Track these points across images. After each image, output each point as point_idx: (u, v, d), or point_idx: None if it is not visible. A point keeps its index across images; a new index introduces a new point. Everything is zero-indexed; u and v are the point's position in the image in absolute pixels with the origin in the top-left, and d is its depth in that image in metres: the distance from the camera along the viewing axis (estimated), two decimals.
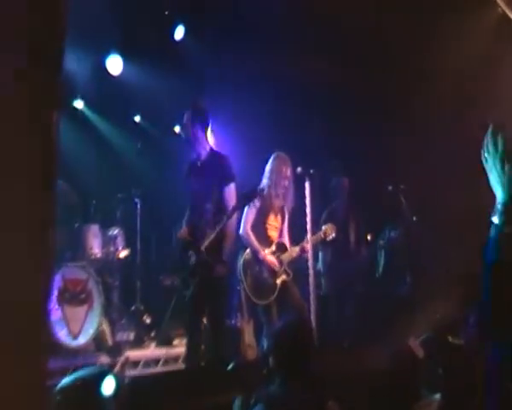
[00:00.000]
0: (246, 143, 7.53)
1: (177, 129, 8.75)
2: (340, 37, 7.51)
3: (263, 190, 6.00)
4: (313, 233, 6.30)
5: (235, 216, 5.53)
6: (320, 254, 7.46)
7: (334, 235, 6.52)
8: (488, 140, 2.08)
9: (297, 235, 6.44)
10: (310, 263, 6.23)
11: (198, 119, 5.64)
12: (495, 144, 2.06)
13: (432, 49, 7.18)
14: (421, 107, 7.23)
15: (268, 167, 6.37)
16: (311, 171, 6.19)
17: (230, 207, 5.38)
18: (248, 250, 6.19)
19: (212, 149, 5.76)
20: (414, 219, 6.98)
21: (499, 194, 2.04)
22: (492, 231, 2.04)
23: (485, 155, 2.09)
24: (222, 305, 5.62)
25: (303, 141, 7.74)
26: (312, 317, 6.07)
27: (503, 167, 2.02)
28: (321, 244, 7.06)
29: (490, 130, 2.09)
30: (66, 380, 3.57)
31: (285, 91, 7.98)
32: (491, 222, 2.04)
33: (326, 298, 7.28)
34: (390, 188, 7.02)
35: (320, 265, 7.46)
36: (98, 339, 6.56)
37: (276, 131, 7.76)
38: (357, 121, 8.02)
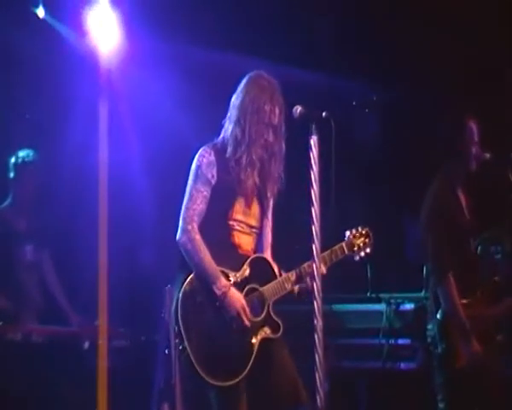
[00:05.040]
0: None
1: None
2: None
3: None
4: (324, 246, 3.40)
5: None
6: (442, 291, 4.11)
7: (368, 250, 3.70)
8: None
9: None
10: (316, 302, 3.15)
11: None
12: None
13: None
14: None
15: (236, 101, 3.55)
16: (324, 114, 3.27)
17: None
18: (193, 275, 3.42)
19: None
20: None
21: None
22: None
23: None
24: None
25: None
26: None
27: None
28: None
29: None
30: None
31: None
32: None
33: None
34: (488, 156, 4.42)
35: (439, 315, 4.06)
36: None
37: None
38: None
